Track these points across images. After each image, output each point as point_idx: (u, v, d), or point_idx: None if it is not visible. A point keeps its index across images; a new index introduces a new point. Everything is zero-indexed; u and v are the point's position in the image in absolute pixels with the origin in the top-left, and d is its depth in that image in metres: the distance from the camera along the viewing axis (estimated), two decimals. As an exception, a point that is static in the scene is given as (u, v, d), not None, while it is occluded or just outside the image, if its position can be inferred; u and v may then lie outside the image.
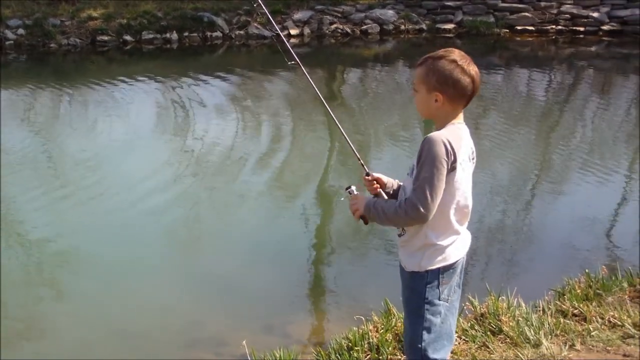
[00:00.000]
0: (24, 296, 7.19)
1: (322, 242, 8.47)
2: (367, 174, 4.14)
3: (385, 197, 4.08)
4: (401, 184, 4.10)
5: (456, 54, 3.77)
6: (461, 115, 3.84)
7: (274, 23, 5.27)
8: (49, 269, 7.84)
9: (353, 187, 4.13)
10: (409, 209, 3.72)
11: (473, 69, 3.78)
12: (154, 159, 10.96)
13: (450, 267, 3.87)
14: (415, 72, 3.87)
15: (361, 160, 4.25)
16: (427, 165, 3.66)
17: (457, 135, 3.75)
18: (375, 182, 4.12)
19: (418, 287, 3.87)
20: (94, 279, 7.43)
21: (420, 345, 3.85)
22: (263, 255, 7.98)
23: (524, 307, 5.63)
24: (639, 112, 13.86)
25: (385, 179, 4.16)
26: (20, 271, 7.72)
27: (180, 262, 7.91)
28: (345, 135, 4.33)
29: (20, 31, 19.38)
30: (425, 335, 3.85)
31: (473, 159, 3.88)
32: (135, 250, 8.06)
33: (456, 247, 3.88)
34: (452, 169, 3.70)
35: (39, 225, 8.76)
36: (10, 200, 9.55)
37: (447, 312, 3.90)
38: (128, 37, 19.79)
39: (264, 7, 4.99)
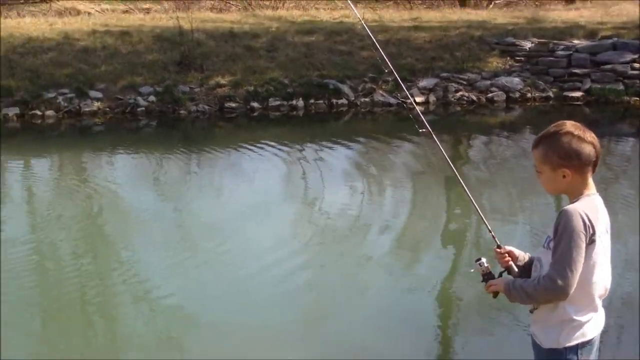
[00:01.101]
0: (148, 356, 7.31)
1: (447, 315, 8.37)
2: (499, 247, 4.09)
3: (516, 269, 4.03)
4: (532, 256, 4.04)
5: (568, 126, 3.75)
6: (592, 185, 3.79)
7: (405, 90, 5.32)
8: (174, 331, 7.95)
9: (483, 259, 4.08)
10: (548, 284, 3.65)
11: (589, 135, 3.75)
12: (280, 225, 11.07)
13: (587, 343, 3.80)
14: (533, 154, 3.83)
15: (492, 232, 4.21)
16: (566, 239, 3.60)
17: (593, 207, 3.70)
18: (506, 255, 4.07)
19: (556, 365, 3.78)
20: (217, 343, 7.50)
21: None
22: (385, 326, 7.92)
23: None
24: None
25: (516, 252, 4.11)
26: (146, 331, 7.88)
27: (300, 329, 7.94)
28: (476, 205, 4.30)
29: (151, 98, 19.90)
30: (563, 414, 3.76)
31: (609, 230, 3.80)
32: (260, 316, 8.09)
33: (594, 322, 3.79)
34: (590, 241, 3.64)
35: (166, 288, 8.89)
36: (139, 261, 9.80)
37: (584, 390, 3.81)
38: (255, 104, 20.11)
39: (396, 75, 5.04)
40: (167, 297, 8.65)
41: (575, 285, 3.64)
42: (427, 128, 4.63)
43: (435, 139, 4.58)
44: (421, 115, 4.82)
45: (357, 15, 5.88)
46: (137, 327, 7.97)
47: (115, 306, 8.52)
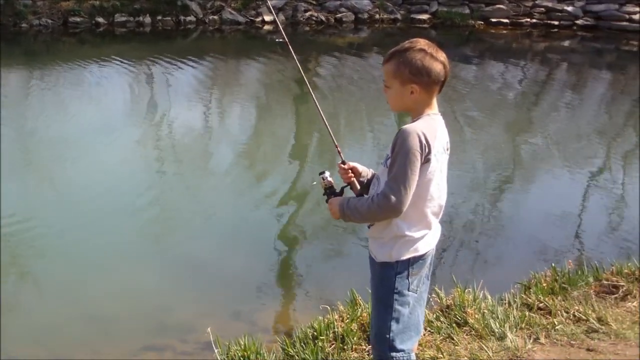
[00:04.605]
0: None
1: (292, 230, 8.46)
2: (343, 162, 4.10)
3: (358, 186, 4.05)
4: (375, 172, 4.08)
5: (422, 43, 3.76)
6: (435, 105, 3.81)
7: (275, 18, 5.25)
8: (20, 255, 7.72)
9: (327, 173, 4.08)
10: (381, 202, 3.69)
11: (442, 55, 3.76)
12: (124, 143, 10.88)
13: (420, 258, 3.85)
14: (384, 69, 3.84)
15: (338, 148, 4.21)
16: (401, 157, 3.63)
17: (432, 127, 3.73)
18: (350, 170, 4.08)
19: (388, 278, 3.84)
20: (63, 264, 7.38)
21: (388, 336, 3.83)
22: (232, 242, 7.96)
23: (489, 300, 5.62)
24: (610, 107, 14.01)
25: (360, 168, 4.10)
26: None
27: (149, 247, 7.89)
28: (325, 120, 4.27)
29: (-9, 10, 19.13)
30: (393, 325, 3.82)
31: (447, 149, 3.85)
32: (105, 236, 7.99)
33: (427, 239, 3.86)
34: (426, 160, 3.66)
35: (8, 211, 8.51)
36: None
37: (415, 303, 3.88)
38: (101, 20, 19.57)
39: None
40: (7, 217, 8.30)
41: (408, 203, 3.71)
42: (284, 38, 4.56)
43: (291, 48, 4.53)
44: (280, 26, 4.76)
45: None
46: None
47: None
